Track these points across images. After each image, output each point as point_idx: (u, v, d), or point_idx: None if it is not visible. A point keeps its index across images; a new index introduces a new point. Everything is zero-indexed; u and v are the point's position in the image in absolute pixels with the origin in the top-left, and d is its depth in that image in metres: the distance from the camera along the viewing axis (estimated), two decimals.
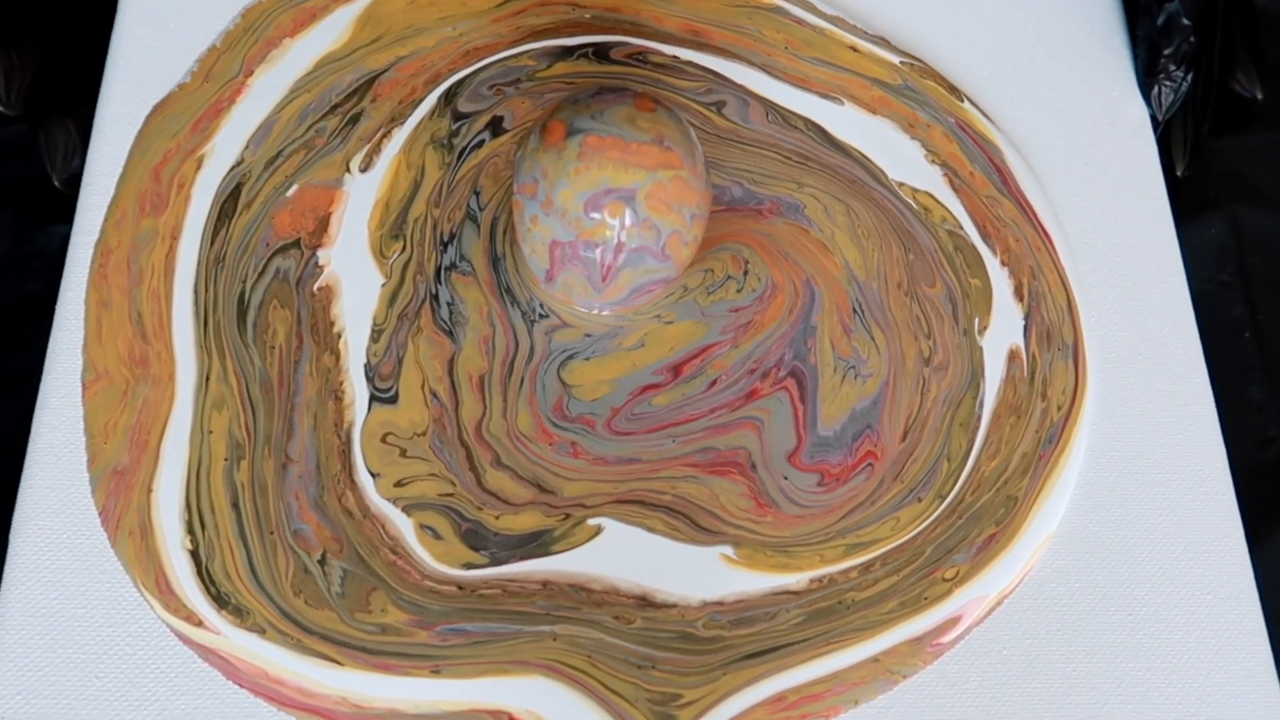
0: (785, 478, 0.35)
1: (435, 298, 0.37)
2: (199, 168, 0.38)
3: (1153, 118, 0.40)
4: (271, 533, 0.33)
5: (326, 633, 0.32)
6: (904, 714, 0.33)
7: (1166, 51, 0.38)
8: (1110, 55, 0.41)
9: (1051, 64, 0.41)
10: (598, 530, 0.34)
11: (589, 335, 0.36)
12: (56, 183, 0.39)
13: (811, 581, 0.34)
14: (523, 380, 0.36)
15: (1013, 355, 0.37)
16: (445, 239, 0.38)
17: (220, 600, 0.33)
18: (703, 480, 0.35)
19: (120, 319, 0.36)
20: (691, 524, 0.34)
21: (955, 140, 0.40)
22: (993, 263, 0.38)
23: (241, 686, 0.32)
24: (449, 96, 0.39)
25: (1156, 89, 0.39)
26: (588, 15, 0.41)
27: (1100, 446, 0.37)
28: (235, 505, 0.34)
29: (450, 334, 0.36)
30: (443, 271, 0.37)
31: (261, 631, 0.32)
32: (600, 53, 0.40)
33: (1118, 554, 0.35)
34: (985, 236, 0.39)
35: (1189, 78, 0.38)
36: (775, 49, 0.41)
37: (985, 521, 0.35)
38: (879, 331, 0.37)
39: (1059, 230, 0.39)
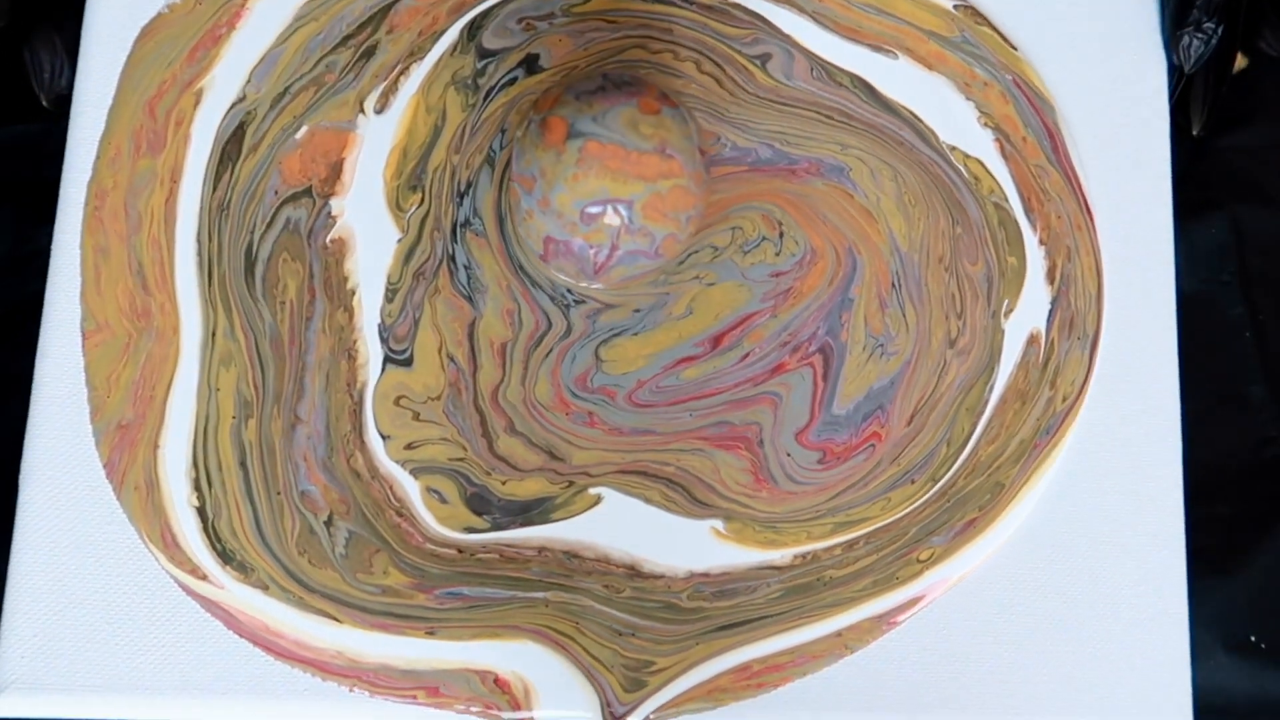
0: (788, 454, 0.36)
1: (452, 259, 0.37)
2: (197, 103, 0.37)
3: (1172, 73, 0.40)
4: (279, 493, 0.35)
5: (328, 591, 0.34)
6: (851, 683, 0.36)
7: (1199, 1, 0.38)
8: (1137, 17, 0.41)
9: (1075, 13, 0.40)
10: (597, 500, 0.36)
11: (638, 310, 0.37)
12: (44, 103, 0.38)
13: (795, 557, 0.36)
14: (550, 351, 0.37)
15: (1032, 339, 0.38)
16: (462, 189, 0.37)
17: (225, 556, 0.34)
18: (708, 453, 0.36)
19: (119, 267, 0.36)
20: (688, 496, 0.36)
21: (1011, 100, 0.39)
22: (1031, 240, 0.38)
23: (241, 637, 0.34)
24: (473, 30, 0.38)
25: (1186, 39, 0.38)
26: None
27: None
28: (243, 464, 0.35)
29: (470, 300, 0.37)
30: (458, 228, 0.37)
31: (264, 588, 0.34)
32: None
33: (1061, 543, 0.37)
34: (1029, 211, 0.39)
35: (1220, 30, 0.38)
36: None
37: (970, 506, 0.37)
38: (912, 308, 0.38)
39: (1099, 207, 0.39)
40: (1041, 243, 0.38)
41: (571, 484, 0.36)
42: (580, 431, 0.36)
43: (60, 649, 0.34)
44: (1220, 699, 0.37)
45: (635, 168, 0.32)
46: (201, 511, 0.35)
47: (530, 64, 0.38)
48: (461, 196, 0.37)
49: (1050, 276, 0.38)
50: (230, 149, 0.37)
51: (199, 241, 0.36)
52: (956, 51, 0.39)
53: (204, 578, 0.34)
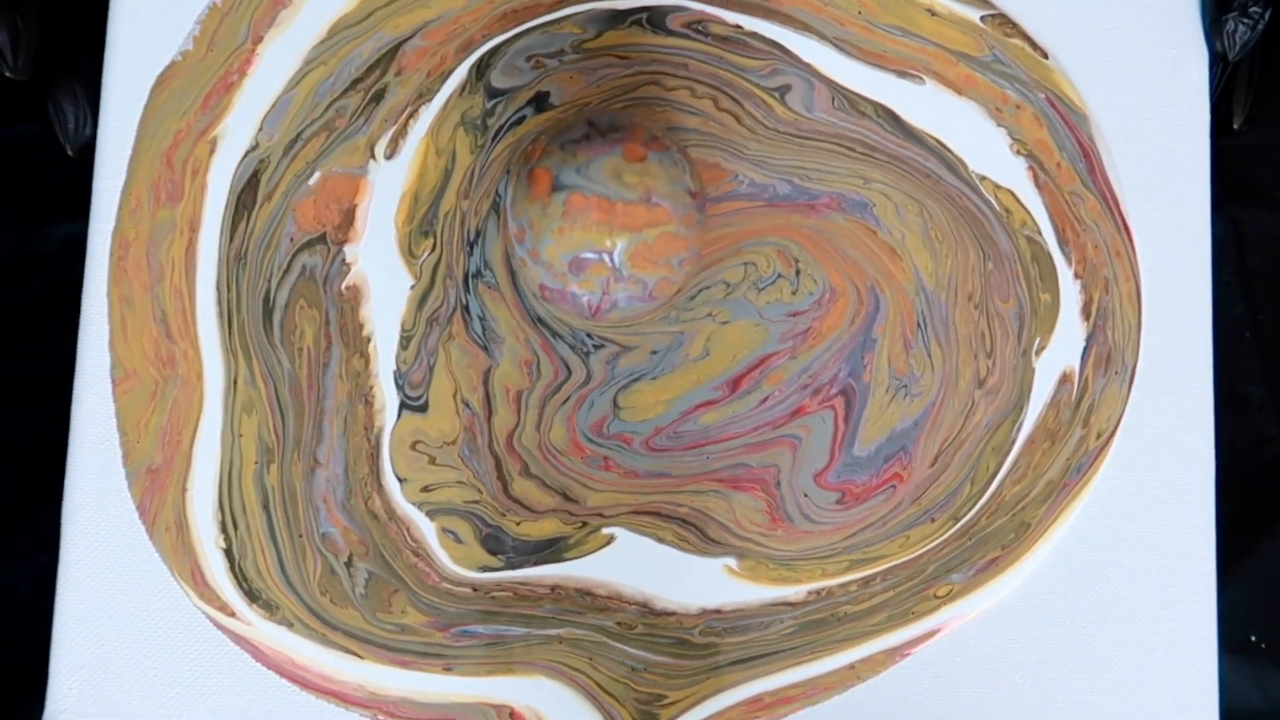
0: (806, 495, 0.37)
1: (466, 309, 0.38)
2: (212, 151, 0.38)
3: (1214, 64, 0.38)
4: (300, 535, 0.36)
5: (350, 629, 0.36)
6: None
7: None
8: (1175, 6, 0.39)
9: (1108, 7, 0.39)
10: (609, 539, 0.37)
11: (655, 352, 0.37)
12: (70, 152, 0.40)
13: (809, 594, 0.36)
14: (567, 399, 0.37)
15: (1064, 378, 0.37)
16: (471, 237, 0.38)
17: (252, 595, 0.36)
18: (723, 494, 0.37)
19: (144, 316, 0.38)
20: (701, 535, 0.37)
21: (1044, 123, 0.38)
22: (1066, 275, 0.38)
23: (269, 669, 0.36)
24: (481, 69, 0.38)
25: (1231, 24, 0.37)
26: None
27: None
28: (266, 508, 0.37)
29: (485, 349, 0.37)
30: (470, 279, 0.38)
31: (289, 625, 0.36)
32: (655, 20, 0.39)
33: (1087, 564, 0.37)
34: (1063, 243, 0.38)
35: (1267, 14, 0.37)
36: (848, 15, 0.38)
37: (992, 545, 0.37)
38: (938, 348, 0.37)
39: (1135, 226, 0.38)
40: (1077, 276, 0.38)
41: (585, 524, 0.37)
42: (595, 475, 0.37)
43: (104, 680, 0.36)
44: (1220, 699, 0.37)
45: (620, 219, 0.32)
46: (228, 553, 0.36)
47: (540, 102, 0.38)
48: (471, 245, 0.38)
49: (1086, 311, 0.37)
50: (245, 198, 0.38)
51: (218, 290, 0.38)
52: (987, 73, 0.38)
53: (232, 614, 0.36)
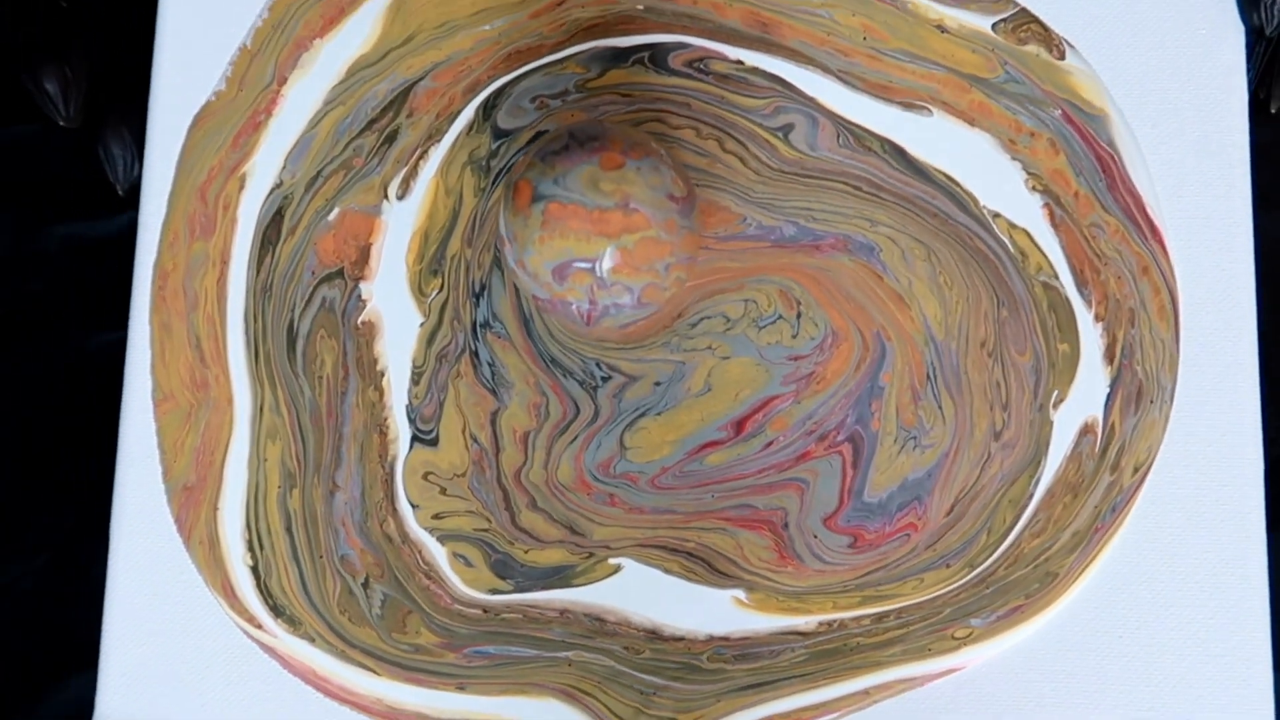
0: (816, 536, 0.38)
1: (475, 355, 0.40)
2: (241, 188, 0.41)
3: (1250, 42, 0.36)
4: (321, 556, 0.40)
5: (367, 647, 0.39)
6: None
7: None
8: None
9: None
10: (617, 569, 0.38)
11: (658, 383, 0.39)
12: (120, 192, 0.44)
13: (820, 624, 0.37)
14: (575, 438, 0.39)
15: (1086, 429, 0.37)
16: (477, 289, 0.40)
17: (276, 610, 0.40)
18: (731, 532, 0.38)
19: (180, 343, 0.41)
20: (709, 568, 0.38)
21: (1062, 149, 0.37)
22: (1085, 319, 0.37)
23: (294, 676, 0.40)
24: (488, 109, 0.40)
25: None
26: (640, 6, 0.40)
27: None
28: (289, 530, 0.40)
29: (494, 392, 0.40)
30: (478, 328, 0.40)
31: (311, 640, 0.39)
32: (658, 59, 0.40)
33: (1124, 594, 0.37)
34: (1082, 285, 0.37)
35: None
36: (854, 44, 0.38)
37: (1014, 594, 0.37)
38: (949, 399, 0.37)
39: (1166, 223, 0.37)
40: (1098, 319, 0.37)
41: (591, 555, 0.39)
42: (601, 510, 0.39)
43: (150, 683, 0.40)
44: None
45: (598, 226, 0.33)
46: (255, 570, 0.40)
47: None
48: (478, 297, 0.40)
49: (1109, 355, 0.37)
50: (270, 233, 0.41)
51: (246, 320, 0.41)
52: (1000, 98, 0.38)
53: (260, 626, 0.40)
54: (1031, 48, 0.37)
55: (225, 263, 0.41)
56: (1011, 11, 0.38)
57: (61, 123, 0.43)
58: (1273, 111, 0.38)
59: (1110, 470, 0.37)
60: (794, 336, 0.38)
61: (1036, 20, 0.38)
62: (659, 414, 0.39)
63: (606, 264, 0.33)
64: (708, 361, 0.39)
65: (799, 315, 0.38)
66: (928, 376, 0.38)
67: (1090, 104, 0.37)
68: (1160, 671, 0.36)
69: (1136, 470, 0.36)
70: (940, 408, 0.37)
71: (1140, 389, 0.37)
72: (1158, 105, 0.37)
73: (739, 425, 0.38)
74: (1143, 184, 0.37)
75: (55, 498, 0.42)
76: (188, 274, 0.42)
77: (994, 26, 0.38)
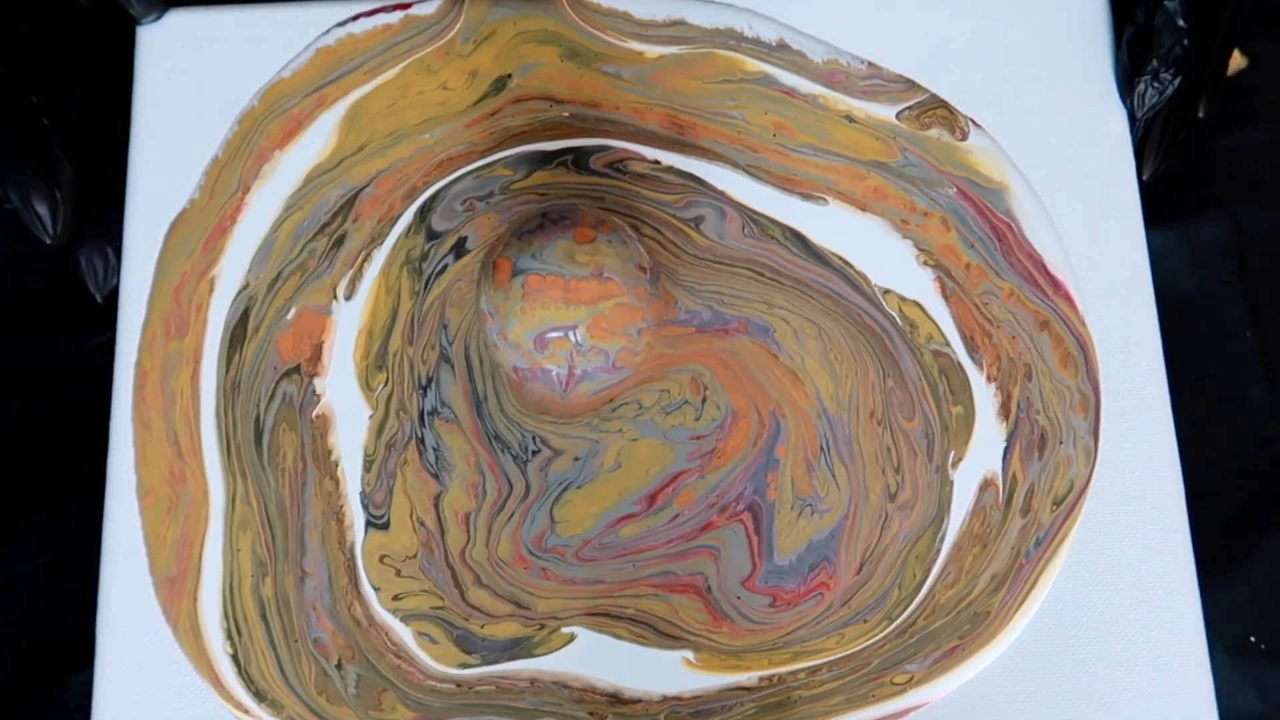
0: (739, 598, 0.41)
1: (421, 441, 0.45)
2: (211, 290, 0.47)
3: (1130, 118, 0.42)
4: (296, 641, 0.44)
5: None
6: None
7: (1160, 51, 0.41)
8: (1092, 65, 0.43)
9: (1030, 70, 0.43)
10: (571, 637, 0.43)
11: (577, 459, 0.43)
12: (99, 299, 0.50)
13: (761, 679, 0.41)
14: (513, 515, 0.44)
15: (986, 484, 0.40)
16: (424, 382, 0.45)
17: (259, 695, 0.44)
18: (663, 597, 0.42)
19: (160, 439, 0.48)
20: (655, 631, 0.42)
21: (952, 226, 0.41)
22: (978, 381, 0.41)
23: None
24: (424, 212, 0.45)
25: (1142, 87, 0.41)
26: (565, 114, 0.45)
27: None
28: (264, 617, 0.45)
29: (436, 477, 0.44)
30: (426, 416, 0.45)
31: None
32: (579, 161, 0.45)
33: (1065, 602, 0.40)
34: (972, 350, 0.41)
35: (1176, 82, 0.41)
36: (763, 141, 0.42)
37: (945, 638, 0.40)
38: (842, 468, 0.41)
39: (1073, 277, 0.41)
40: (990, 379, 0.40)
41: (543, 626, 0.43)
42: (539, 584, 0.43)
43: (149, 683, 0.44)
44: (1220, 701, 0.40)
45: (575, 294, 0.38)
46: (235, 658, 0.44)
47: (459, 248, 0.45)
48: (424, 388, 0.45)
49: (1004, 411, 0.40)
50: (238, 332, 0.46)
51: (218, 416, 0.46)
52: (896, 180, 0.41)
53: (246, 712, 0.44)
54: (934, 131, 0.42)
55: (198, 361, 0.47)
56: (921, 98, 0.42)
57: (48, 241, 0.49)
58: (1144, 180, 0.44)
59: (1021, 514, 0.40)
60: (696, 419, 0.43)
61: (944, 105, 0.42)
62: (579, 487, 0.43)
63: (584, 330, 0.38)
64: (618, 442, 0.43)
65: (704, 400, 0.43)
66: (821, 448, 0.41)
67: (989, 178, 0.41)
68: (1111, 682, 0.40)
69: (1058, 504, 0.40)
70: (834, 476, 0.41)
71: (1044, 435, 0.40)
72: (1054, 167, 0.42)
73: (651, 499, 0.43)
74: (1045, 245, 0.41)
75: (54, 498, 0.46)
76: (165, 373, 0.47)
77: (899, 114, 0.42)
